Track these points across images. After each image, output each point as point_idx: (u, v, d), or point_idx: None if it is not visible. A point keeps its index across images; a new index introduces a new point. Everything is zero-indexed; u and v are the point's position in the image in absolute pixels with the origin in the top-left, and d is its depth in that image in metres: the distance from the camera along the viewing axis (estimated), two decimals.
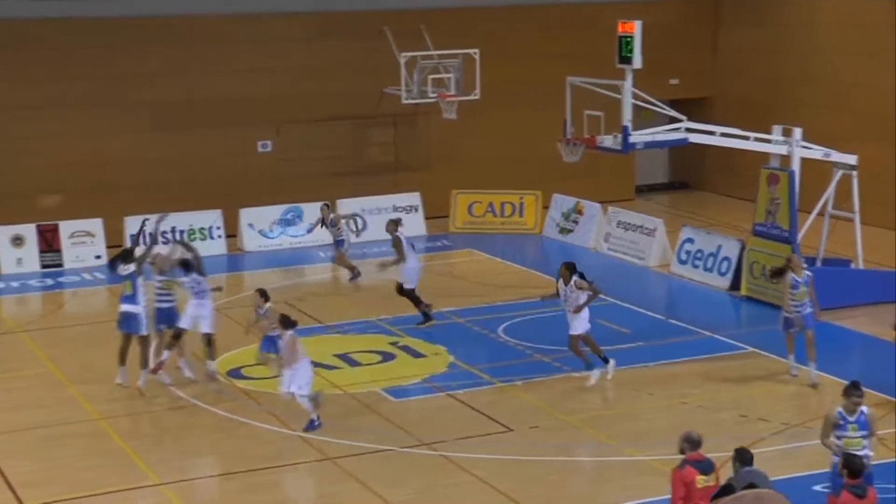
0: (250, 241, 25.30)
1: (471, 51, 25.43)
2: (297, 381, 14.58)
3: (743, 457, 10.64)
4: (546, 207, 26.56)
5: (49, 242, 24.14)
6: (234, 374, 17.03)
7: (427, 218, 26.68)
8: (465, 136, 27.46)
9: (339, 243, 22.02)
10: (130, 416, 15.49)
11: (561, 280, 16.23)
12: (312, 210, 25.66)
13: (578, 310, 16.03)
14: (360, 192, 26.37)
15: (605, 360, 16.39)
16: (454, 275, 23.32)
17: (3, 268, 23.66)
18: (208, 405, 15.79)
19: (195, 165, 26.20)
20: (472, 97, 25.32)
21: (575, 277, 16.10)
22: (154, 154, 25.93)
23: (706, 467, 10.38)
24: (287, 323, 14.81)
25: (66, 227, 24.23)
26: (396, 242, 19.31)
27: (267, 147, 26.95)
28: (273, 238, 25.52)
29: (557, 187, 26.48)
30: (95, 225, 24.47)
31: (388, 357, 17.89)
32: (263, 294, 16.24)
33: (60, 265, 24.03)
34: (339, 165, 27.23)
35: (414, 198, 26.74)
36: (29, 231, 24.00)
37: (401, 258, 19.26)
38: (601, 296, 16.57)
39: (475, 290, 21.41)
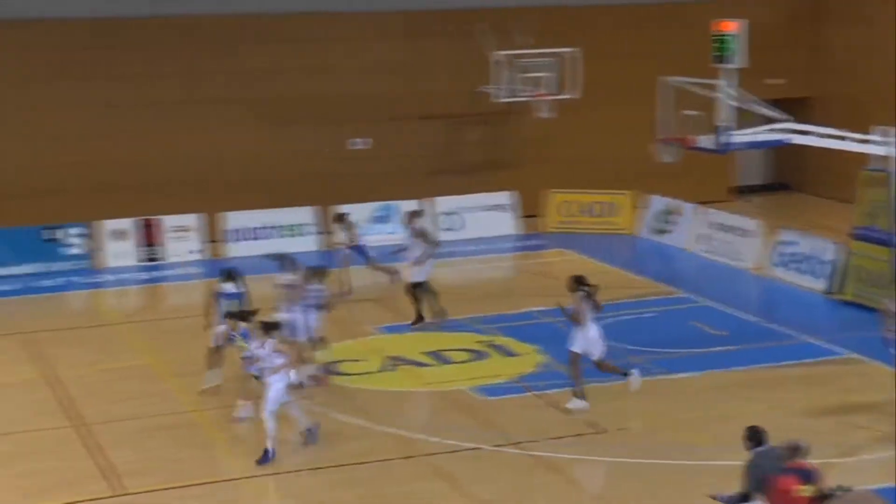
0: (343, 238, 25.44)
1: (565, 49, 25.30)
2: (275, 400, 13.80)
3: (755, 436, 10.47)
4: (640, 207, 26.33)
5: (150, 237, 24.64)
6: (326, 369, 17.14)
7: (519, 217, 26.62)
8: (559, 135, 27.33)
9: (357, 249, 21.30)
10: (224, 408, 15.70)
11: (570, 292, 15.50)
12: (405, 207, 25.81)
13: (577, 320, 15.28)
14: (452, 191, 26.41)
15: (581, 397, 15.41)
16: (546, 274, 23.22)
17: (105, 261, 24.19)
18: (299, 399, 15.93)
19: (290, 162, 26.48)
20: (567, 96, 25.20)
21: (579, 293, 15.40)
22: (252, 151, 26.29)
23: (807, 476, 10.12)
24: (269, 328, 14.06)
25: (166, 222, 24.72)
26: (422, 233, 19.13)
27: (360, 145, 27.14)
28: (366, 235, 25.66)
29: (652, 187, 26.21)
30: (194, 220, 24.90)
31: (479, 355, 17.89)
32: (236, 316, 15.54)
33: (161, 259, 24.51)
34: (432, 164, 27.30)
35: (506, 197, 26.70)
36: (131, 226, 24.53)
37: (434, 246, 19.08)
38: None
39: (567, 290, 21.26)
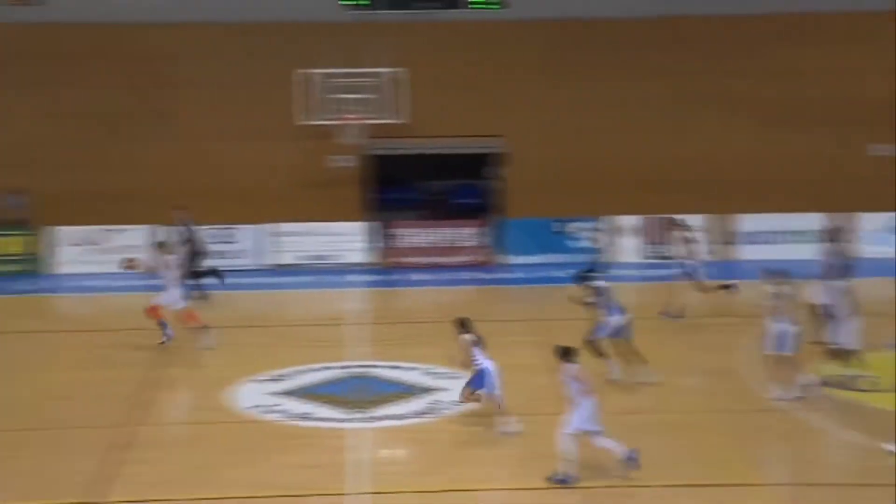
0: (866, 247, 24.05)
1: None
2: (580, 421, 12.82)
3: None
4: None
5: (658, 235, 24.93)
6: (830, 381, 16.31)
7: None
8: None
9: (687, 267, 19.63)
10: (712, 413, 15.39)
11: None
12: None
13: None
14: None
15: None
16: None
17: (612, 256, 24.77)
18: (794, 410, 15.30)
19: (804, 165, 25.74)
20: None
21: None
22: (763, 152, 26.05)
23: None
24: (566, 353, 13.04)
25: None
26: (839, 252, 17.77)
27: (883, 151, 25.76)
28: (883, 247, 24.20)
29: None
30: (701, 221, 24.84)
31: None
32: (462, 324, 14.66)
33: (667, 258, 24.65)
34: None
35: None
36: (639, 222, 25.04)
37: (848, 268, 17.52)
38: None
39: None
